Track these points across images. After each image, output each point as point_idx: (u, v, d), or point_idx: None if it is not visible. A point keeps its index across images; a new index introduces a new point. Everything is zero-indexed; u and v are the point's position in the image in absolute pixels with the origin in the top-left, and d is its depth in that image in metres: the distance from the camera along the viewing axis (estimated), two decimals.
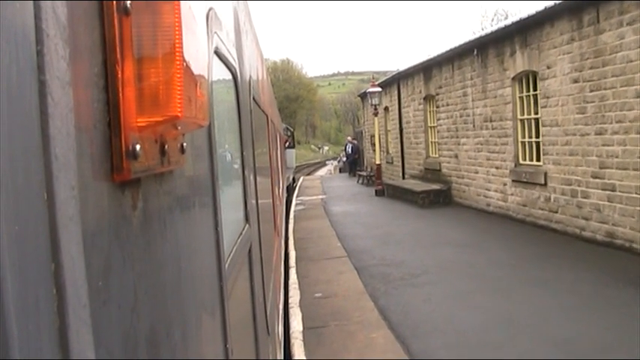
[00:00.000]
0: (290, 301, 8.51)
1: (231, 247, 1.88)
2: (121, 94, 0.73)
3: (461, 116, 16.83)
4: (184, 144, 1.05)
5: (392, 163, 25.59)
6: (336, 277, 9.77)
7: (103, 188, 0.70)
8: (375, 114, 22.88)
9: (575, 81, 11.07)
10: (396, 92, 23.76)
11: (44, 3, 0.55)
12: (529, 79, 13.14)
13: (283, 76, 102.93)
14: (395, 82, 23.81)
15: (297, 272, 10.26)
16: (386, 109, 25.74)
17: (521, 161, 13.70)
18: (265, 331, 3.03)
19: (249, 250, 2.46)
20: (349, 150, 35.93)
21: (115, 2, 0.73)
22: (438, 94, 18.68)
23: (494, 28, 14.24)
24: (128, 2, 0.74)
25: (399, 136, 23.68)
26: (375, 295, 8.53)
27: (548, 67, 11.98)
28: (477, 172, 15.95)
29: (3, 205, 0.46)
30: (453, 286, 8.75)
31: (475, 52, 15.43)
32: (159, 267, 0.92)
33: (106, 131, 0.72)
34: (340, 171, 45.52)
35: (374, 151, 26.16)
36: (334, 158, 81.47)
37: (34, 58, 0.54)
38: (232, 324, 1.61)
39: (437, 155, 19.40)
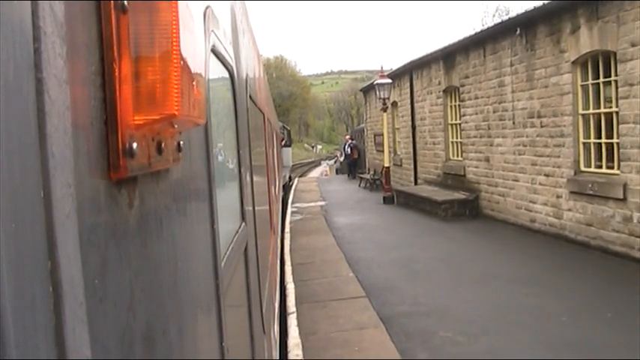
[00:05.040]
0: None
1: (228, 245, 1.84)
2: (118, 92, 0.72)
3: (495, 111, 13.86)
4: (181, 142, 1.02)
5: (401, 165, 22.56)
6: (357, 336, 6.75)
7: (99, 186, 0.69)
8: (384, 109, 19.85)
9: None
10: (407, 85, 20.73)
11: (42, 1, 0.55)
12: (598, 62, 10.19)
13: (277, 74, 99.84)
14: (406, 73, 20.76)
15: (298, 323, 7.23)
16: (394, 104, 22.70)
17: (582, 168, 10.74)
18: (261, 329, 2.96)
19: (246, 249, 2.41)
20: (348, 150, 33.20)
21: (112, 0, 0.72)
22: (463, 86, 15.69)
23: (546, 1, 11.26)
24: (125, 0, 0.73)
25: (410, 134, 20.64)
26: None
27: (633, 45, 9.03)
28: (516, 180, 12.97)
29: (0, 202, 0.46)
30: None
31: (518, 32, 12.46)
32: (155, 265, 0.90)
33: (102, 129, 0.71)
34: (337, 172, 42.66)
35: (379, 151, 23.15)
36: (329, 158, 78.59)
37: (31, 56, 0.53)
38: (228, 322, 1.57)
39: (460, 158, 16.39)
